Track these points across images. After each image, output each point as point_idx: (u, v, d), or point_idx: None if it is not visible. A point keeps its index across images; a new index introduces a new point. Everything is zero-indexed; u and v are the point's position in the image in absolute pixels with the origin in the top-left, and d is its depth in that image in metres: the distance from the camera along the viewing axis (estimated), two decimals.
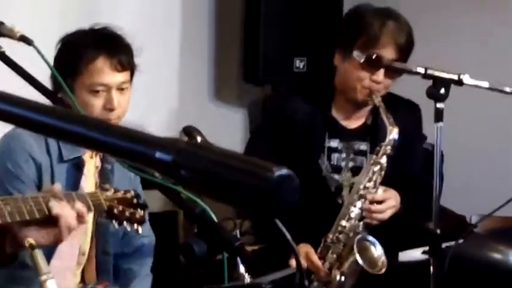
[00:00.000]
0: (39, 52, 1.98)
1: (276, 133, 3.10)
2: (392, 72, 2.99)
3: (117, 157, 0.94)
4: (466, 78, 2.65)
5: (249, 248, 3.31)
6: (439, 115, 2.64)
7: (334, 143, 3.11)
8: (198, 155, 0.88)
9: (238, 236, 3.39)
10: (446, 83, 2.65)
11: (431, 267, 2.63)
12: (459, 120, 3.73)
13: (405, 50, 2.99)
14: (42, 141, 2.54)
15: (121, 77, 2.60)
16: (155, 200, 3.43)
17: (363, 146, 3.14)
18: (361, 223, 2.96)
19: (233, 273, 1.77)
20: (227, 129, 4.23)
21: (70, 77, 2.53)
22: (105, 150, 0.94)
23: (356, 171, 3.07)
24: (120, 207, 2.29)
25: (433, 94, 2.65)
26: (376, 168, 2.94)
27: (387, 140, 2.94)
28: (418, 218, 3.06)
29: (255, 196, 0.85)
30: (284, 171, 0.85)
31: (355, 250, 2.83)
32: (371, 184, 2.95)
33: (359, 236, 2.89)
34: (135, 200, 2.33)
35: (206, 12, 4.30)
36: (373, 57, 2.91)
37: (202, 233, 1.73)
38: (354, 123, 3.16)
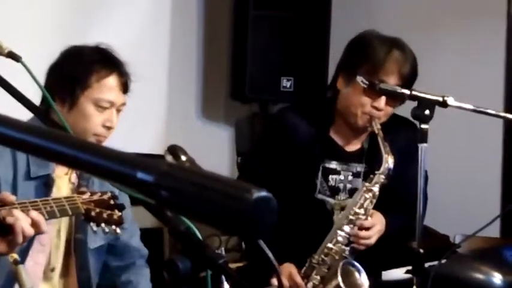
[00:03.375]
0: (27, 69, 1.99)
1: (276, 147, 3.12)
2: (394, 101, 3.01)
3: (97, 176, 0.95)
4: (450, 100, 2.67)
5: (234, 265, 3.32)
6: (423, 136, 2.65)
7: (332, 165, 3.12)
8: (179, 177, 0.89)
9: (224, 253, 3.39)
10: (431, 104, 2.67)
11: (414, 287, 2.64)
12: (443, 140, 3.76)
13: (408, 79, 3.01)
14: (8, 155, 2.52)
15: (123, 98, 2.68)
16: (140, 217, 3.44)
17: (360, 168, 3.15)
18: (348, 248, 2.98)
19: None
20: (214, 147, 4.24)
21: (78, 87, 2.58)
22: (85, 169, 0.95)
23: (354, 193, 3.08)
24: (98, 210, 2.30)
25: (418, 115, 2.66)
26: (368, 195, 2.96)
27: (382, 168, 2.95)
28: (399, 238, 3.08)
29: (233, 218, 0.87)
30: (262, 193, 0.87)
31: (339, 274, 2.85)
32: (361, 211, 2.96)
33: (344, 260, 2.91)
34: (112, 201, 2.34)
35: (194, 30, 4.33)
36: (376, 83, 2.93)
37: (187, 250, 1.74)
38: (351, 146, 3.17)
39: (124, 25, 3.85)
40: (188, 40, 4.29)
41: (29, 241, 2.48)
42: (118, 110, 2.67)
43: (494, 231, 2.80)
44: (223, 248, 3.55)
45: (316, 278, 2.95)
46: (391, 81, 2.97)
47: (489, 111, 2.74)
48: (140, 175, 0.89)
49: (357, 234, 2.96)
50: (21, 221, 2.06)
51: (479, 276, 3.05)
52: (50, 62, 2.66)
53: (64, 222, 2.59)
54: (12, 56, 2.05)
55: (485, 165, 4.21)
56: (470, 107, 2.70)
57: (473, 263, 3.10)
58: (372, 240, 2.99)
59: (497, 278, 3.03)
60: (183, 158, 1.81)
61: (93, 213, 2.29)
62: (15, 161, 2.53)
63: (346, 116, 3.08)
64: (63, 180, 2.62)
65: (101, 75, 2.61)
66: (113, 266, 2.76)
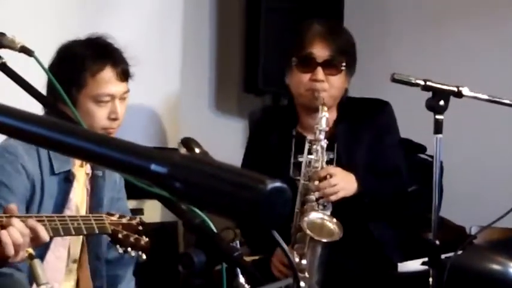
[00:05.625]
0: (39, 63, 1.99)
1: (253, 155, 3.25)
2: (332, 69, 3.07)
3: (112, 169, 0.95)
4: (465, 90, 2.65)
5: (249, 258, 3.31)
6: (438, 127, 2.64)
7: (302, 158, 3.12)
8: (193, 168, 0.88)
9: (238, 245, 3.39)
10: (446, 94, 2.65)
11: (431, 278, 2.63)
12: (459, 131, 3.74)
13: (340, 47, 3.09)
14: (34, 154, 2.53)
15: (124, 86, 2.63)
16: (155, 210, 3.44)
17: (331, 155, 3.15)
18: (318, 203, 2.98)
19: (232, 283, 1.77)
20: (227, 139, 4.23)
21: (74, 88, 2.55)
22: (100, 162, 0.94)
23: None
24: (125, 233, 2.29)
25: (432, 106, 2.65)
26: (318, 147, 2.98)
27: (317, 118, 3.00)
28: (393, 205, 3.09)
29: (247, 208, 0.86)
30: (277, 183, 0.86)
31: (306, 228, 2.87)
32: (317, 164, 3.00)
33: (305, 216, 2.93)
34: (140, 227, 2.33)
35: (207, 22, 4.32)
36: (304, 55, 3.05)
37: (202, 244, 1.74)
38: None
39: (135, 20, 3.85)
40: (201, 33, 4.28)
41: None
42: (122, 99, 2.62)
43: (510, 222, 2.77)
44: (238, 241, 3.55)
45: (299, 246, 2.94)
46: (321, 53, 3.06)
47: (505, 101, 2.72)
48: (154, 167, 0.89)
49: (317, 186, 2.97)
50: (12, 230, 2.03)
51: (496, 267, 3.03)
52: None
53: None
54: (25, 50, 2.04)
55: (501, 156, 4.18)
56: (486, 97, 2.69)
57: (490, 254, 3.08)
58: (338, 188, 2.98)
59: None
60: (197, 150, 1.81)
61: (120, 236, 2.28)
62: (39, 157, 2.54)
63: (299, 102, 3.15)
64: (81, 173, 2.62)
65: (94, 70, 2.57)
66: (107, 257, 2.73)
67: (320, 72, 3.06)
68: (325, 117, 3.01)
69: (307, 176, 3.01)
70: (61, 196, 2.54)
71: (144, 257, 2.35)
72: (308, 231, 2.89)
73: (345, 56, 3.10)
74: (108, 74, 2.58)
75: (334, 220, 2.94)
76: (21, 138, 0.95)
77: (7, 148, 2.51)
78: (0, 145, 2.55)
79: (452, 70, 4.01)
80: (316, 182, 2.98)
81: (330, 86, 3.08)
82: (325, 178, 2.99)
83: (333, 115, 3.18)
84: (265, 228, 0.89)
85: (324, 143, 3.00)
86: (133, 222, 2.34)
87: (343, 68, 3.10)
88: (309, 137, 3.03)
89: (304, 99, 3.11)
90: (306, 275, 2.89)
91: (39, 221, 2.13)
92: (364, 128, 3.15)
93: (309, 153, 3.01)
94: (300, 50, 3.09)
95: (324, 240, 2.90)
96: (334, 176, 2.99)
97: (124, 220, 2.32)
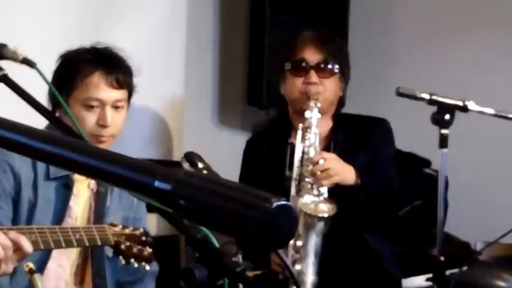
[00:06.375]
0: (41, 74, 1.97)
1: (248, 170, 3.27)
2: (325, 72, 3.08)
3: (114, 185, 0.93)
4: (471, 105, 2.64)
5: (251, 273, 3.29)
6: (443, 141, 2.62)
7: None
8: (197, 185, 0.87)
9: (241, 260, 3.37)
10: (451, 109, 2.64)
11: None
12: (464, 146, 3.72)
13: (331, 51, 3.11)
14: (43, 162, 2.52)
15: (116, 94, 2.60)
16: (156, 224, 3.42)
17: None
18: (313, 187, 2.96)
19: None
20: (230, 153, 4.21)
21: (66, 91, 2.55)
22: (102, 177, 0.93)
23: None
24: (128, 243, 2.27)
25: (438, 120, 2.63)
26: (311, 134, 2.98)
27: (306, 107, 3.01)
28: (379, 207, 3.07)
29: (252, 227, 0.84)
30: (282, 202, 0.85)
31: (298, 205, 2.87)
32: (310, 149, 2.98)
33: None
34: (143, 238, 2.31)
35: (211, 35, 4.31)
36: (297, 60, 3.08)
37: (204, 258, 1.72)
38: None
39: (139, 33, 3.84)
40: (204, 45, 4.27)
41: None
42: (116, 107, 2.59)
43: None
44: (240, 256, 3.53)
45: (299, 233, 2.92)
46: (313, 57, 3.08)
47: (510, 115, 2.70)
48: (158, 184, 0.88)
49: (311, 171, 2.95)
50: None
51: (501, 284, 3.01)
52: None
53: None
54: (27, 62, 2.03)
55: (506, 171, 4.16)
56: (492, 111, 2.67)
57: (495, 270, 3.06)
58: (331, 172, 2.95)
59: None
60: (200, 165, 1.79)
61: (123, 247, 2.26)
62: (34, 161, 2.52)
63: (293, 108, 3.14)
64: (83, 185, 2.60)
65: (84, 74, 2.56)
66: (122, 281, 2.70)
67: (313, 75, 3.08)
68: (317, 116, 3.00)
69: (301, 162, 2.99)
70: (60, 203, 2.53)
71: (148, 267, 2.32)
72: (302, 208, 2.87)
73: (337, 60, 3.12)
74: (97, 78, 2.57)
75: (328, 200, 2.92)
76: (23, 153, 0.94)
77: None
78: None
79: (458, 84, 3.99)
80: (310, 167, 2.96)
81: (324, 89, 3.08)
82: (318, 163, 2.97)
83: (328, 124, 3.17)
84: (270, 247, 0.87)
85: (314, 126, 2.99)
86: (137, 232, 2.32)
87: (336, 71, 3.10)
88: (301, 124, 3.01)
89: (299, 103, 3.09)
90: (300, 267, 2.86)
91: (40, 233, 2.11)
92: (359, 143, 3.14)
93: (302, 141, 2.99)
94: (292, 56, 3.11)
95: (319, 215, 2.89)
96: (327, 161, 2.97)
97: (127, 231, 2.30)
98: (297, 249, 2.87)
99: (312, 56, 3.09)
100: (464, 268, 2.71)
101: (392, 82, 3.09)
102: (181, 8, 4.14)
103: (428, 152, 3.30)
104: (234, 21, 4.37)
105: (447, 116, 2.62)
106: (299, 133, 3.01)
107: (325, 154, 3.01)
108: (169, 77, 4.01)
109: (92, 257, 2.58)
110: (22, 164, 2.51)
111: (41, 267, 2.47)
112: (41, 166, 2.52)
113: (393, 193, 3.14)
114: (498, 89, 4.09)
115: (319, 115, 3.01)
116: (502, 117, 2.70)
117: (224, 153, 3.97)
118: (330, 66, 3.09)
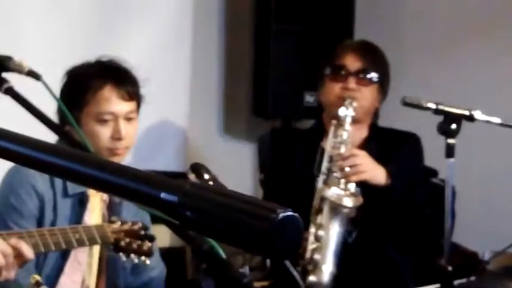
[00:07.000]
0: (47, 87, 1.97)
1: (277, 172, 3.22)
2: (364, 80, 3.08)
3: (120, 197, 0.93)
4: (478, 114, 2.63)
5: (258, 284, 3.28)
6: (450, 151, 2.61)
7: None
8: (203, 197, 0.87)
9: (248, 271, 3.37)
10: (458, 118, 2.63)
11: None
12: (472, 155, 3.71)
13: (371, 61, 3.11)
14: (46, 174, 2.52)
15: (128, 106, 2.60)
16: (163, 236, 3.41)
17: None
18: (340, 182, 2.95)
19: None
20: (236, 163, 4.21)
21: (77, 107, 2.54)
22: (109, 190, 0.92)
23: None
24: (127, 240, 2.28)
25: (444, 130, 2.63)
26: (344, 131, 2.98)
27: (339, 111, 3.01)
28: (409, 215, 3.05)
29: (258, 238, 0.84)
30: (288, 212, 0.84)
31: (325, 195, 2.86)
32: (341, 146, 2.98)
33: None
34: (142, 232, 2.32)
35: (216, 46, 4.32)
36: (337, 65, 3.09)
37: (210, 270, 1.71)
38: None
39: (145, 44, 3.84)
40: (210, 56, 4.28)
41: (63, 258, 2.47)
42: (128, 119, 2.60)
43: None
44: (247, 267, 3.52)
45: (317, 222, 2.90)
46: (352, 64, 3.09)
47: None
48: (164, 195, 0.87)
49: (340, 165, 2.94)
50: None
51: None
52: None
53: None
54: (32, 74, 2.02)
55: None
56: (498, 120, 2.66)
57: (503, 280, 3.05)
58: (361, 168, 2.94)
59: None
60: (206, 176, 1.79)
61: (122, 243, 2.27)
62: (52, 179, 2.52)
63: (329, 113, 3.12)
64: (96, 199, 2.60)
65: (95, 88, 2.56)
66: (132, 285, 2.71)
67: (352, 81, 3.07)
68: (351, 114, 3.00)
69: (330, 158, 2.99)
70: (74, 219, 2.53)
71: (148, 262, 2.33)
72: (327, 196, 2.86)
73: (377, 70, 3.11)
74: (108, 92, 2.57)
75: (354, 194, 2.90)
76: (32, 167, 0.94)
77: (18, 168, 2.50)
78: (13, 167, 2.53)
79: (465, 93, 3.98)
80: (340, 162, 2.96)
81: (361, 96, 3.07)
82: (348, 158, 2.97)
83: (363, 133, 3.15)
84: (276, 258, 0.87)
85: (349, 126, 2.99)
86: (135, 227, 2.33)
87: (375, 80, 3.09)
88: (334, 121, 3.01)
89: (334, 107, 3.06)
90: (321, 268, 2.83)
91: (40, 235, 2.11)
92: (390, 156, 3.11)
93: (334, 136, 2.99)
94: (332, 61, 3.13)
95: (343, 204, 2.87)
96: (357, 157, 2.96)
97: (126, 226, 2.31)
98: (317, 238, 2.86)
99: (352, 63, 3.09)
100: (472, 278, 2.70)
101: (398, 92, 3.08)
102: (186, 20, 4.15)
103: (435, 162, 3.29)
104: (240, 32, 4.38)
105: (453, 126, 2.62)
106: (331, 129, 3.00)
107: (356, 150, 3.00)
108: (174, 88, 4.01)
109: (106, 268, 2.58)
110: (43, 182, 2.52)
111: (52, 282, 2.47)
112: (58, 183, 2.53)
113: (419, 200, 3.11)
114: (506, 99, 4.08)
115: (353, 113, 3.00)
116: (509, 126, 2.69)
117: (230, 164, 3.97)
118: (369, 75, 3.08)
